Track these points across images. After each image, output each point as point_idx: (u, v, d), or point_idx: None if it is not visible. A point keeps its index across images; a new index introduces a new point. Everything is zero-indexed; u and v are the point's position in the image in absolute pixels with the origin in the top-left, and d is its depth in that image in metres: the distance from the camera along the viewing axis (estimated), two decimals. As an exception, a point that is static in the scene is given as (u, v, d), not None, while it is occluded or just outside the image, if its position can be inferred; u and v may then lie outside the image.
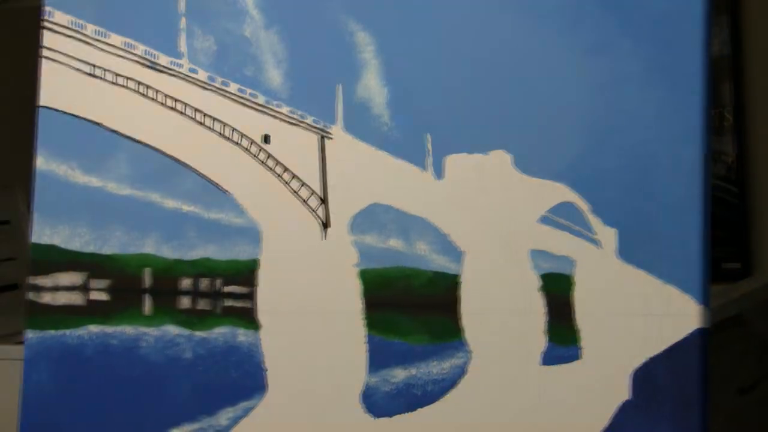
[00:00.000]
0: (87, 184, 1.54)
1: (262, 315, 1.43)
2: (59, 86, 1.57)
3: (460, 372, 1.32)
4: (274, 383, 1.42)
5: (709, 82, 1.22)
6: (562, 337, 1.27)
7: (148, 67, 1.51)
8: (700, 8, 1.22)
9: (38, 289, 1.56)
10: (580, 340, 1.26)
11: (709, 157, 1.22)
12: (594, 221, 1.26)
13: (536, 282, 1.28)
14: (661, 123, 1.23)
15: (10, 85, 2.13)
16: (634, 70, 1.24)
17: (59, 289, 1.55)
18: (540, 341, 1.28)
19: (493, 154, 1.31)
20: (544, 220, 1.28)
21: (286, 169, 1.43)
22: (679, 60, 1.22)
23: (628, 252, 1.24)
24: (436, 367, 1.33)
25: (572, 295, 1.27)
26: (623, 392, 1.23)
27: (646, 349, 1.22)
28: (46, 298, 1.55)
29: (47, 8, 1.58)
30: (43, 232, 1.56)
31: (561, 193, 1.28)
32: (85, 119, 1.55)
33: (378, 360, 1.37)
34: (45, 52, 1.58)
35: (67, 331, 1.54)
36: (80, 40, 1.56)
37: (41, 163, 1.57)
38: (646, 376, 1.22)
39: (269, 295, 1.43)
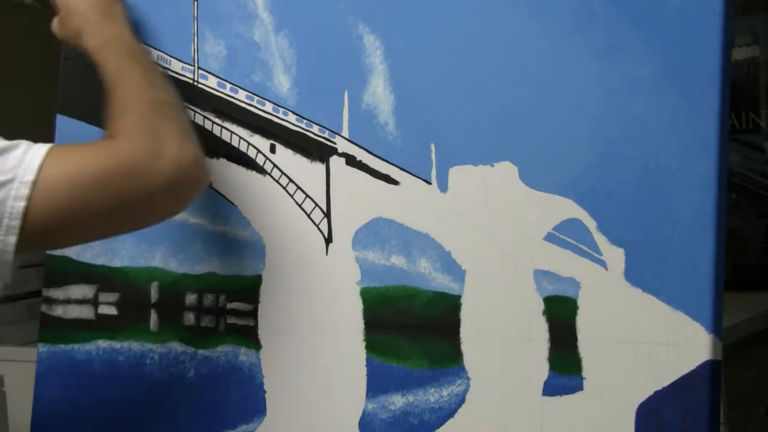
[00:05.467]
0: (99, 193, 1.49)
1: (263, 334, 1.36)
2: (77, 93, 1.53)
3: (459, 401, 1.22)
4: (273, 407, 1.35)
5: (727, 87, 1.10)
6: (565, 365, 1.16)
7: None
8: (719, 5, 1.11)
9: (51, 301, 1.52)
10: (582, 369, 1.15)
11: (725, 171, 1.10)
12: (600, 240, 1.15)
13: (540, 305, 1.18)
14: (674, 132, 1.12)
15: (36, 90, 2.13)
16: (645, 74, 1.13)
17: (71, 302, 1.50)
18: (542, 370, 1.18)
19: (499, 165, 1.21)
20: (550, 237, 1.18)
21: (290, 181, 1.35)
22: (694, 63, 1.11)
23: (635, 274, 1.13)
24: (435, 395, 1.24)
25: (576, 321, 1.16)
26: (627, 427, 1.12)
27: (651, 382, 1.11)
28: (58, 311, 1.51)
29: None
30: (56, 243, 1.52)
31: (567, 208, 1.17)
32: (99, 127, 1.50)
33: (376, 385, 1.28)
34: (64, 59, 1.54)
35: (77, 346, 1.49)
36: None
37: (57, 171, 1.53)
38: (651, 411, 1.11)
39: (271, 314, 1.36)
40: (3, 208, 1.17)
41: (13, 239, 1.18)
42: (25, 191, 1.17)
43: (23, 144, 1.20)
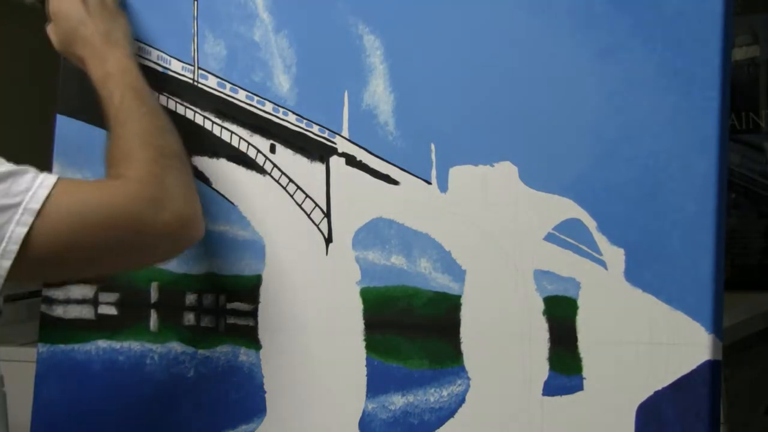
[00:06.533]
0: (99, 193, 1.49)
1: (264, 334, 1.36)
2: (77, 93, 1.52)
3: (459, 401, 1.22)
4: (273, 407, 1.35)
5: (727, 87, 1.10)
6: (565, 365, 1.16)
7: (161, 72, 1.45)
8: (719, 5, 1.11)
9: (51, 301, 1.52)
10: (582, 369, 1.15)
11: (725, 171, 1.10)
12: (600, 240, 1.15)
13: (540, 305, 1.18)
14: (674, 132, 1.12)
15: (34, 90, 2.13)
16: (645, 74, 1.13)
17: (71, 302, 1.50)
18: (542, 370, 1.18)
19: (499, 165, 1.21)
20: (550, 237, 1.18)
21: (290, 181, 1.35)
22: (694, 63, 1.11)
23: (635, 274, 1.13)
24: (435, 395, 1.24)
25: (576, 321, 1.16)
26: (627, 427, 1.12)
27: (651, 382, 1.11)
28: (58, 311, 1.51)
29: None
30: (56, 243, 1.52)
31: (567, 208, 1.17)
32: (99, 127, 1.50)
33: (376, 385, 1.28)
34: (64, 59, 1.54)
35: (77, 346, 1.49)
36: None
37: (57, 171, 1.53)
38: (651, 411, 1.11)
39: (271, 314, 1.36)
40: (4, 230, 1.17)
41: (7, 263, 1.17)
42: (29, 218, 1.17)
43: (31, 171, 1.20)
